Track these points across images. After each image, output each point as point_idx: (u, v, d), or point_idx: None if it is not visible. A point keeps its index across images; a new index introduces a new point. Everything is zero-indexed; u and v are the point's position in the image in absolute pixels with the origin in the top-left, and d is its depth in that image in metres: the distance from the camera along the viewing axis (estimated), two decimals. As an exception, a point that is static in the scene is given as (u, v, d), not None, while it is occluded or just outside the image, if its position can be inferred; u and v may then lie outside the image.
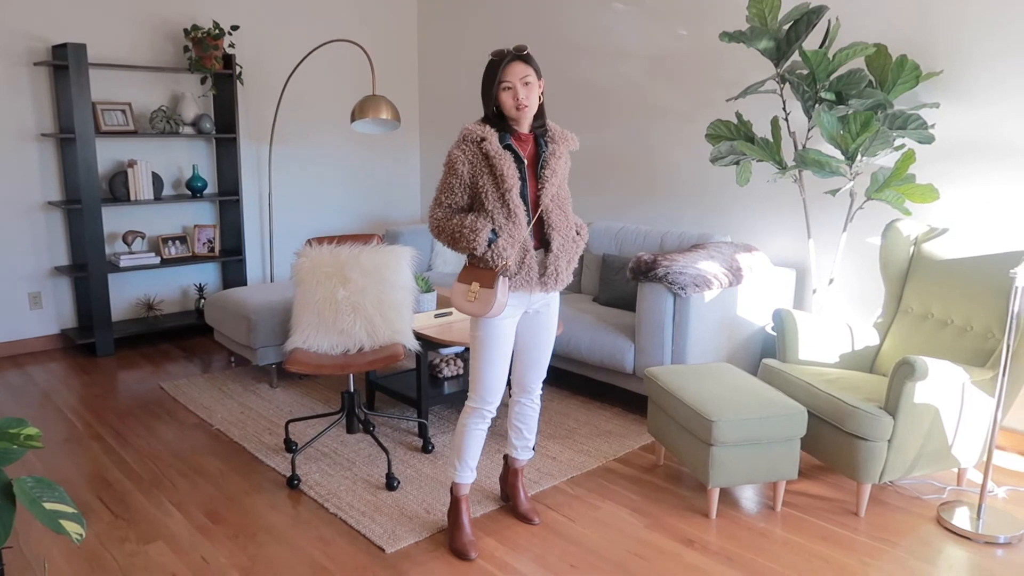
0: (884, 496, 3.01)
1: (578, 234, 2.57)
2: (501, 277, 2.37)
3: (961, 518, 2.80)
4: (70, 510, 1.59)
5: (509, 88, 2.36)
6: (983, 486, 2.77)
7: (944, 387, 2.79)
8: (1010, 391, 2.92)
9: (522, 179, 2.41)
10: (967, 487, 3.09)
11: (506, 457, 2.87)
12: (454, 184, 2.42)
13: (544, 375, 2.71)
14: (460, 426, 2.60)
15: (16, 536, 2.66)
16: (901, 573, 2.50)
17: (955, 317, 3.16)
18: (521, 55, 2.38)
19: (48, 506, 1.55)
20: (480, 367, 2.53)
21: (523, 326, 2.61)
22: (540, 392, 2.74)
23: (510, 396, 2.76)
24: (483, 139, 2.38)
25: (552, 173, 2.44)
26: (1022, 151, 3.31)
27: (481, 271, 2.41)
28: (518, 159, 2.41)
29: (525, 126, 2.44)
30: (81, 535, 1.55)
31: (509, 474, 2.87)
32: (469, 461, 2.60)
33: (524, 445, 2.80)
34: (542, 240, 2.49)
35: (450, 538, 2.62)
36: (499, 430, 3.46)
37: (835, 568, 2.53)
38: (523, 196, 2.41)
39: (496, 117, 2.42)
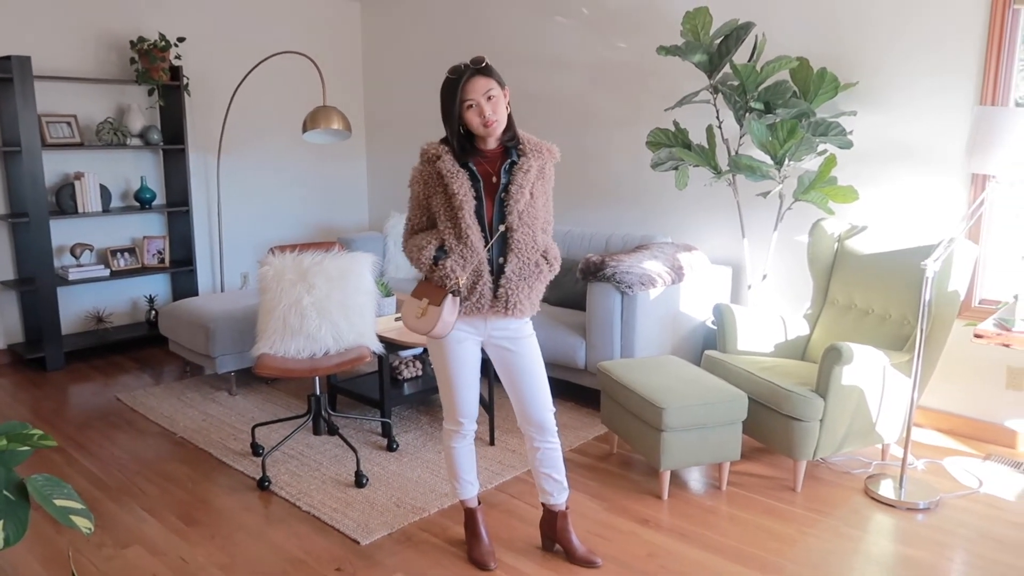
0: (818, 472, 3.29)
1: (545, 259, 2.39)
2: (450, 296, 2.29)
3: (886, 489, 3.09)
4: (79, 506, 1.68)
5: (472, 106, 2.23)
6: (904, 459, 3.06)
7: (867, 370, 3.07)
8: (925, 372, 3.23)
9: (477, 198, 2.29)
10: (890, 461, 3.39)
11: (543, 505, 2.64)
12: (414, 205, 2.40)
13: (551, 407, 2.51)
14: (446, 449, 2.58)
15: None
16: (836, 539, 2.76)
17: (875, 307, 3.47)
18: (480, 68, 2.24)
19: (59, 503, 1.65)
20: (446, 391, 2.48)
21: (499, 363, 2.48)
22: (556, 428, 2.54)
23: (525, 439, 2.55)
24: (438, 157, 2.30)
25: (519, 189, 2.29)
26: (930, 153, 3.65)
27: (432, 288, 2.34)
28: (475, 177, 2.30)
29: (492, 142, 2.32)
30: (90, 529, 1.65)
31: (554, 519, 2.63)
32: (466, 476, 2.60)
33: (559, 488, 2.58)
34: (502, 258, 2.34)
35: (469, 549, 2.64)
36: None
37: (777, 538, 2.77)
38: (479, 216, 2.30)
39: (454, 139, 2.29)
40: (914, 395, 3.05)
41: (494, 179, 2.33)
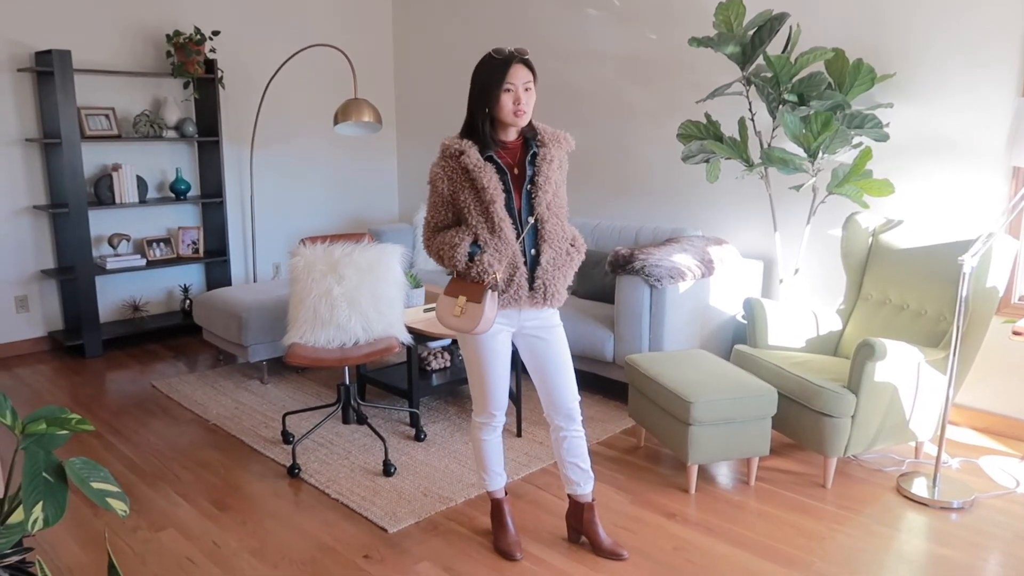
0: (849, 470, 3.25)
1: (573, 246, 2.41)
2: (490, 291, 2.27)
3: (919, 487, 3.04)
4: (115, 489, 1.72)
5: (511, 91, 2.23)
6: (938, 457, 3.01)
7: (901, 366, 3.02)
8: (961, 369, 3.17)
9: (507, 191, 2.29)
10: (924, 460, 3.34)
11: (570, 496, 2.64)
12: (437, 202, 2.36)
13: (576, 395, 2.51)
14: (475, 441, 2.58)
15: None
16: (867, 537, 2.73)
17: (910, 302, 3.41)
18: (524, 59, 2.26)
19: (96, 485, 1.69)
20: (478, 383, 2.47)
21: (528, 353, 2.48)
22: (582, 416, 2.54)
23: (551, 428, 2.55)
24: (461, 152, 2.28)
25: (546, 180, 2.31)
26: (970, 146, 3.57)
27: (469, 284, 2.31)
28: (500, 170, 2.30)
29: (513, 133, 2.33)
30: (126, 511, 1.69)
31: (580, 511, 2.63)
32: (495, 468, 2.61)
33: (585, 478, 2.58)
34: (534, 249, 2.35)
35: (495, 539, 2.65)
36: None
37: (806, 534, 2.74)
38: (509, 208, 2.30)
39: (481, 123, 2.28)
40: (949, 392, 3.00)
41: (515, 170, 2.34)
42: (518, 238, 2.32)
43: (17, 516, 1.75)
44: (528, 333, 2.45)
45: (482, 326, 2.28)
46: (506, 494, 2.70)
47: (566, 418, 2.51)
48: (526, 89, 2.25)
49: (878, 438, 3.09)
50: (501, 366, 2.46)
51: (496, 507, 2.68)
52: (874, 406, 3.01)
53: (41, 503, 1.58)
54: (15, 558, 1.93)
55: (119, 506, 1.72)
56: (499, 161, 2.31)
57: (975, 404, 3.68)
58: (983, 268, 3.08)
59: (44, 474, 1.63)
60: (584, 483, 2.59)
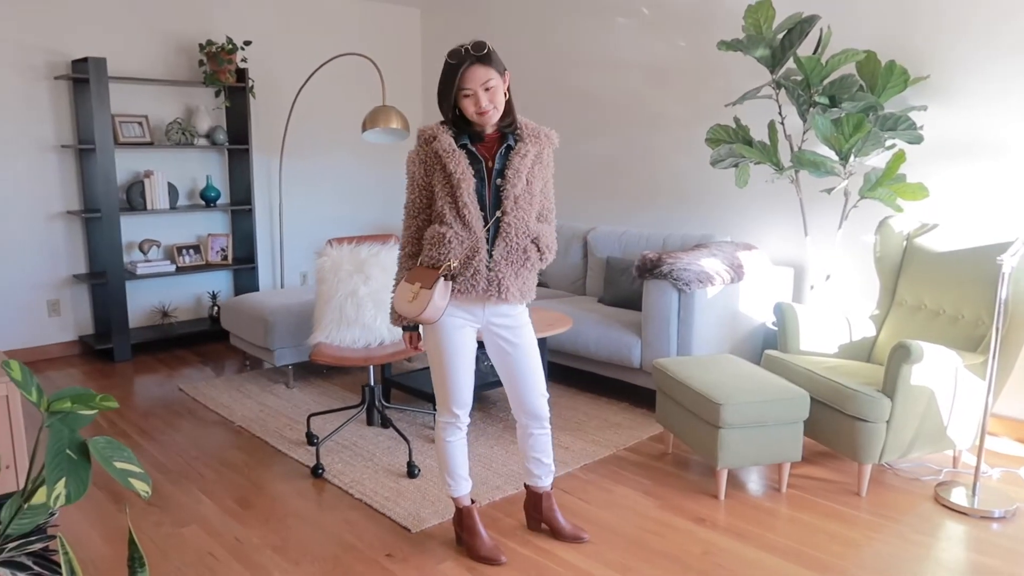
0: (884, 478, 3.15)
1: (536, 248, 2.35)
2: (442, 279, 2.26)
3: (958, 496, 2.94)
4: (138, 469, 1.71)
5: (469, 95, 2.21)
6: (977, 466, 2.91)
7: (938, 370, 2.94)
8: (1000, 374, 3.07)
9: (478, 178, 2.28)
10: (962, 469, 3.23)
11: (528, 486, 2.67)
12: (411, 186, 2.36)
13: (545, 395, 2.52)
14: (439, 442, 2.52)
15: (58, 519, 2.77)
16: (903, 545, 2.64)
17: (946, 307, 3.32)
18: (480, 56, 2.19)
19: (119, 465, 1.68)
20: (440, 380, 2.42)
21: (495, 351, 2.46)
22: (549, 416, 2.56)
23: (518, 424, 2.58)
24: (434, 138, 2.28)
25: (515, 173, 2.28)
26: (1005, 148, 3.49)
27: (425, 271, 2.30)
28: (475, 158, 2.29)
29: (489, 127, 2.30)
30: (147, 492, 1.68)
31: (539, 500, 2.66)
32: (460, 472, 2.53)
33: (547, 472, 2.62)
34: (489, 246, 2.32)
35: (470, 549, 2.54)
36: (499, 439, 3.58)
37: (840, 542, 2.66)
38: (479, 196, 2.29)
39: (458, 120, 2.29)
40: (988, 398, 2.91)
41: (490, 163, 2.31)
42: (485, 227, 2.30)
43: (40, 496, 1.75)
44: (494, 331, 2.42)
45: (429, 313, 2.25)
46: (473, 501, 2.60)
47: (534, 417, 2.52)
48: (486, 88, 2.20)
49: (914, 445, 3.00)
50: (463, 363, 2.41)
51: (465, 515, 2.57)
52: (910, 411, 2.92)
53: (64, 479, 1.58)
54: (39, 545, 1.93)
55: (141, 487, 1.71)
56: (473, 150, 2.30)
57: (1016, 414, 3.56)
58: (1022, 268, 3.00)
59: (68, 451, 1.62)
60: (545, 476, 2.62)
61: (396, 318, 2.47)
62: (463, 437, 2.53)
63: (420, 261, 2.35)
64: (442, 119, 2.33)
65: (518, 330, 2.43)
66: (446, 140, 2.27)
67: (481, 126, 2.29)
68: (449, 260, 2.26)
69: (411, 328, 2.50)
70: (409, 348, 2.53)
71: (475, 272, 2.29)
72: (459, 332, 2.38)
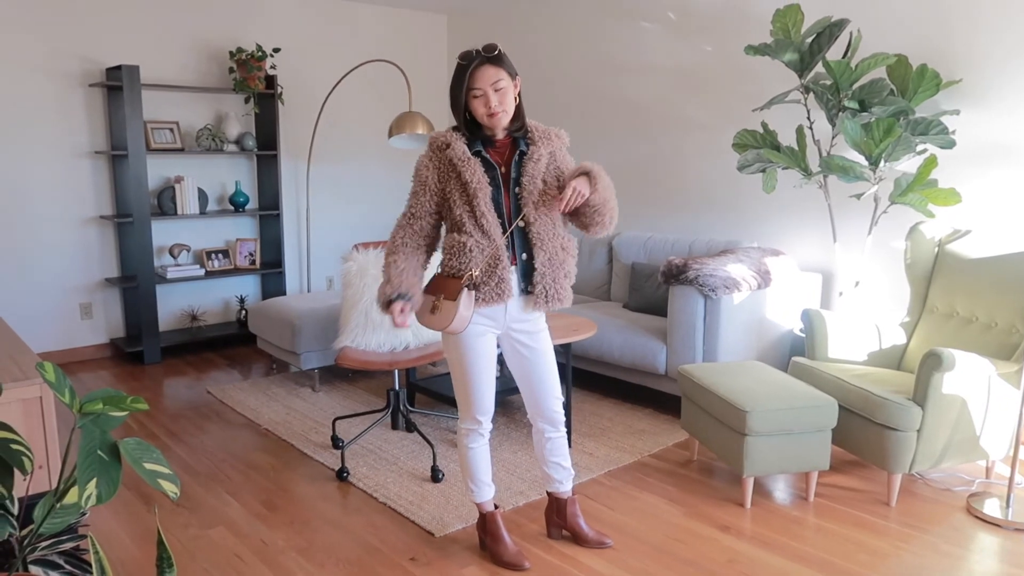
0: (914, 488, 3.10)
1: (564, 250, 2.35)
2: (465, 289, 2.23)
3: (991, 507, 2.88)
4: (167, 471, 1.73)
5: (479, 95, 2.20)
6: (1011, 477, 2.85)
7: (971, 379, 2.88)
8: (1036, 384, 3.01)
9: (494, 185, 2.26)
10: (995, 480, 3.17)
11: (551, 493, 2.64)
12: (418, 191, 2.33)
13: (561, 399, 2.52)
14: (461, 449, 2.51)
15: (88, 519, 2.82)
16: (934, 556, 2.59)
17: (979, 314, 3.26)
18: (490, 57, 2.19)
19: (148, 466, 1.70)
20: (461, 387, 2.41)
21: (512, 356, 2.45)
22: (564, 419, 2.54)
23: (533, 429, 2.56)
24: (447, 145, 2.27)
25: (531, 180, 2.27)
26: (1042, 154, 3.42)
27: (447, 281, 2.28)
28: (489, 165, 2.27)
29: (500, 132, 2.29)
30: (176, 493, 1.70)
31: (563, 505, 2.63)
32: (482, 478, 2.53)
33: (567, 476, 2.60)
34: (525, 253, 2.31)
35: (494, 555, 2.53)
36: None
37: (868, 551, 2.62)
38: (497, 205, 2.27)
39: (469, 124, 2.28)
40: (1022, 408, 2.85)
41: (503, 169, 2.30)
42: (504, 233, 2.28)
43: (72, 496, 1.78)
44: (514, 336, 2.41)
45: (455, 324, 2.24)
46: (496, 507, 2.61)
47: (550, 422, 2.51)
48: (496, 89, 2.19)
49: (946, 455, 2.95)
50: (485, 369, 2.39)
51: (489, 520, 2.56)
52: (941, 420, 2.87)
53: (95, 479, 1.60)
54: (70, 544, 1.96)
55: (170, 488, 1.73)
56: (487, 156, 2.28)
57: (1051, 424, 3.49)
58: (1059, 277, 2.93)
59: (99, 452, 1.65)
60: (565, 481, 2.60)
61: (382, 299, 2.33)
62: (485, 443, 2.52)
63: (440, 271, 2.34)
64: (453, 124, 2.32)
65: (536, 335, 2.43)
66: (460, 148, 2.26)
67: (492, 129, 2.28)
68: (471, 269, 2.24)
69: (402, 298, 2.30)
70: (396, 320, 2.31)
71: (500, 275, 2.26)
72: (481, 339, 2.36)
